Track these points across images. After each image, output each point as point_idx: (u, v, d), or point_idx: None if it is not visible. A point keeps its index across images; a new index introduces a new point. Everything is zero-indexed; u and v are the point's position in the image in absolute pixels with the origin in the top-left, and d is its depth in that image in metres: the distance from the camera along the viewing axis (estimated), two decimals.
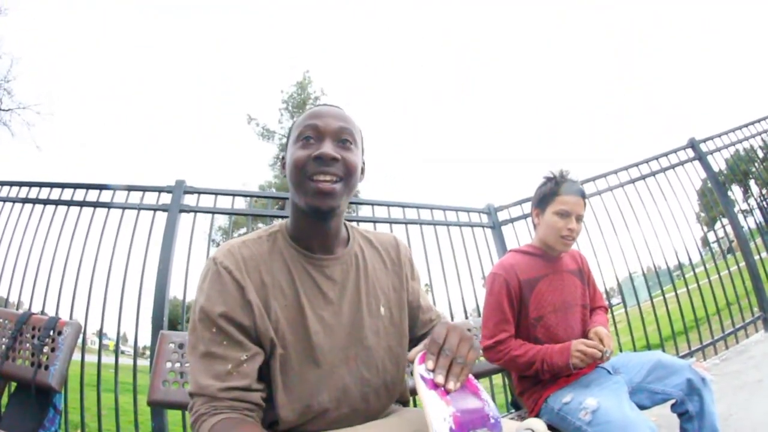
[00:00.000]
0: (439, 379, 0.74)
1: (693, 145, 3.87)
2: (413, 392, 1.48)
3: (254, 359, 0.85)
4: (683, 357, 3.02)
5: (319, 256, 0.95)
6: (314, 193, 0.87)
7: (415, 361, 0.79)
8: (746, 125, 4.10)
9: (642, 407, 1.41)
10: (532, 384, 1.57)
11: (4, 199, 2.79)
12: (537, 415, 1.52)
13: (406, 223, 3.23)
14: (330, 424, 0.90)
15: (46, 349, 1.53)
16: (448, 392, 0.74)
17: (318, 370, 0.89)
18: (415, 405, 1.16)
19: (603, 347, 1.45)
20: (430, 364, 0.76)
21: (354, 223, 1.11)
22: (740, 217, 3.96)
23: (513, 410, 1.89)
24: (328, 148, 0.88)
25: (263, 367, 0.87)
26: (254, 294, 0.87)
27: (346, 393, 0.91)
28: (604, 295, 3.95)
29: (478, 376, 1.97)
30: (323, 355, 0.90)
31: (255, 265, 0.90)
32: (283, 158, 1.00)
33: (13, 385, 1.60)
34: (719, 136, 3.98)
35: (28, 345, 1.54)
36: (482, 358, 1.91)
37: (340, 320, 0.93)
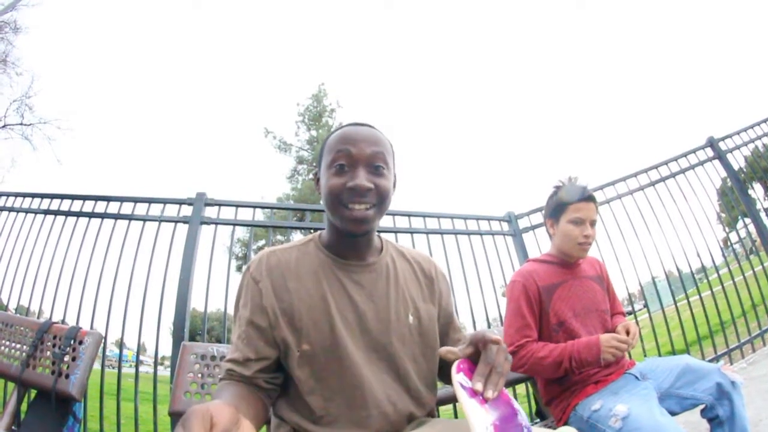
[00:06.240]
0: (478, 386, 0.72)
1: (712, 143, 3.79)
2: (440, 402, 1.44)
3: (260, 361, 0.94)
4: (710, 362, 2.95)
5: (349, 262, 1.01)
6: (349, 220, 0.93)
7: (453, 369, 0.76)
8: (765, 121, 3.98)
9: (671, 413, 1.37)
10: (560, 392, 1.55)
11: (27, 211, 2.85)
12: (566, 424, 1.48)
13: (427, 233, 3.21)
14: (359, 423, 0.91)
15: (66, 357, 1.54)
16: (486, 401, 0.71)
17: (341, 368, 0.93)
18: (439, 416, 1.13)
19: (629, 340, 1.49)
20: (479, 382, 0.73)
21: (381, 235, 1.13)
22: (763, 215, 3.85)
23: (538, 420, 1.85)
24: (361, 179, 0.92)
25: (287, 364, 0.95)
26: (273, 299, 0.95)
27: (370, 393, 0.92)
28: (627, 300, 3.87)
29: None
30: (347, 354, 0.93)
31: (280, 273, 0.97)
32: (316, 174, 1.06)
33: (33, 392, 1.61)
34: (738, 133, 3.89)
35: (48, 353, 1.56)
36: None
37: (364, 324, 0.96)
